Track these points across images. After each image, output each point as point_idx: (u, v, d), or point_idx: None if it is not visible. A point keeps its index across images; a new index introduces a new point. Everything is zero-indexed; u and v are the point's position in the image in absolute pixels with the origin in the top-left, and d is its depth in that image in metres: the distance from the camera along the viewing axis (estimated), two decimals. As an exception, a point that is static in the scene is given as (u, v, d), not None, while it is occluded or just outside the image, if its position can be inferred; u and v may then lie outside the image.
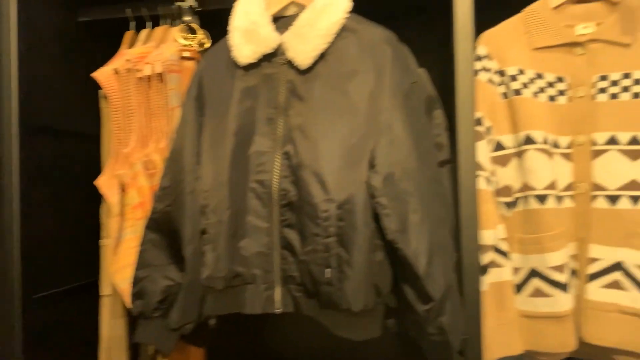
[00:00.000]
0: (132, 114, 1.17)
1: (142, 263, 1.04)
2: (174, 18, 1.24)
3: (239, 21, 1.03)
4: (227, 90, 1.03)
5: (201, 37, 1.21)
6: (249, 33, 1.01)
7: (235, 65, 1.04)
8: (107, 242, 1.21)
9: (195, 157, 1.03)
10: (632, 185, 0.99)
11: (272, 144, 0.98)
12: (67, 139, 1.23)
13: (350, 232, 0.91)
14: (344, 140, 0.94)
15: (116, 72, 1.18)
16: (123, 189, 1.17)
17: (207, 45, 1.22)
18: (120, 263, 1.13)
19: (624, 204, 0.99)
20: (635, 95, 1.00)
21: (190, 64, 1.19)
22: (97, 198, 1.22)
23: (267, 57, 1.01)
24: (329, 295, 0.92)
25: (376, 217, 0.91)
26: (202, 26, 1.23)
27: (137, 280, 1.03)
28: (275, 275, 0.97)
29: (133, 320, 1.09)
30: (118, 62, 1.20)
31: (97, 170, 1.24)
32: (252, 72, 1.02)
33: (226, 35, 1.06)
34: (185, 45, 1.19)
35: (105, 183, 1.18)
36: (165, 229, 1.04)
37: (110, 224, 1.17)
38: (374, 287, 0.92)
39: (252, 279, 0.98)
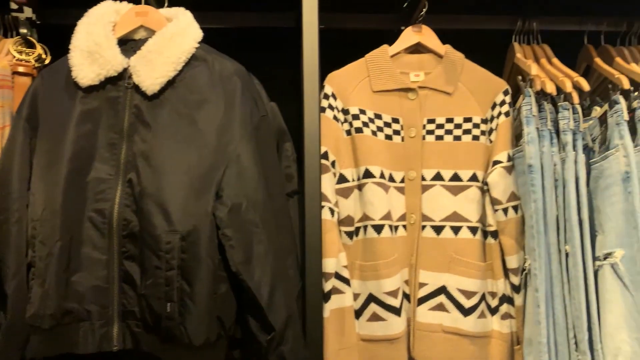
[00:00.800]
0: (-52, 131, 1.04)
1: (-49, 303, 0.93)
2: (9, 29, 1.14)
3: (80, 41, 0.98)
4: (65, 112, 0.97)
5: (40, 52, 1.13)
6: (92, 54, 0.97)
7: (75, 86, 0.98)
8: None
9: (25, 183, 0.96)
10: (453, 217, 1.12)
11: (114, 170, 0.94)
12: None
13: (193, 264, 0.89)
14: (190, 170, 0.93)
15: None
16: None
17: (47, 61, 1.14)
18: None
19: (447, 233, 1.12)
20: (456, 138, 1.14)
21: (25, 80, 1.09)
22: None
23: (112, 80, 0.97)
24: (170, 329, 0.89)
25: (221, 249, 0.91)
26: (43, 41, 1.14)
27: (-58, 323, 0.92)
28: (114, 311, 0.92)
29: None
30: None
31: None
32: (94, 94, 0.97)
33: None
34: (19, 60, 1.09)
35: None
36: (-18, 263, 0.94)
37: None
38: (217, 319, 0.91)
39: (86, 316, 0.92)
